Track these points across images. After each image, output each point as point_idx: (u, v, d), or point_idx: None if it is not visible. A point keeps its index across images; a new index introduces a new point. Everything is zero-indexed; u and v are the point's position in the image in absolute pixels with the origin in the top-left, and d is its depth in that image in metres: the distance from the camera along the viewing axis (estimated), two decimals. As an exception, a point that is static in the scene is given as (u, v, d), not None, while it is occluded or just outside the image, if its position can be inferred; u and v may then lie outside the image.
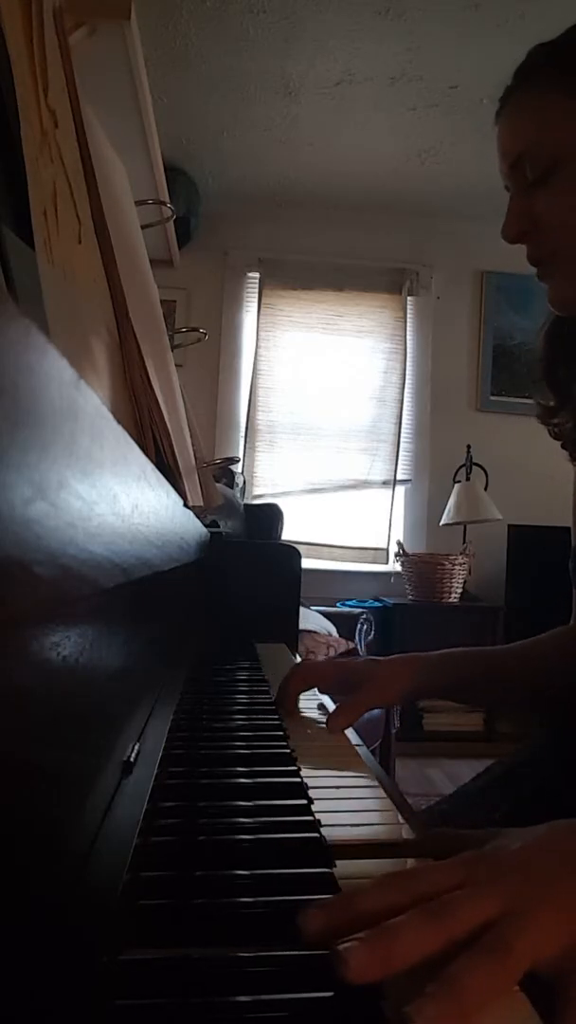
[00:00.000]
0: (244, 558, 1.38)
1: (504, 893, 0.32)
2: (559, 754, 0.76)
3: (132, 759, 0.46)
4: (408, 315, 3.53)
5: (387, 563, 3.38)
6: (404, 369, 3.50)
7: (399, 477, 3.46)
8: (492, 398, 3.49)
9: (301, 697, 0.79)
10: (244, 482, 3.29)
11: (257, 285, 3.50)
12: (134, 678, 0.51)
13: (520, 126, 0.72)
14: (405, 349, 3.51)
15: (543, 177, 0.70)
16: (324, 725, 0.73)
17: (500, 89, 0.74)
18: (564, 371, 0.80)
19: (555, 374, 0.81)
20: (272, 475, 3.44)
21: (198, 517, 0.99)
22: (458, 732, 3.05)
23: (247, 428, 3.43)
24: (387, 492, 3.45)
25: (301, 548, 1.45)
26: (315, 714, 0.78)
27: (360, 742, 0.70)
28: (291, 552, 1.40)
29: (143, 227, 1.03)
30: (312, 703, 0.81)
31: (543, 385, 0.82)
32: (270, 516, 2.80)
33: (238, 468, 3.19)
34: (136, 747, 0.48)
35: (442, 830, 0.44)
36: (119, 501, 0.30)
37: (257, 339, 3.46)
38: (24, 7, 0.52)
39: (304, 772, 0.56)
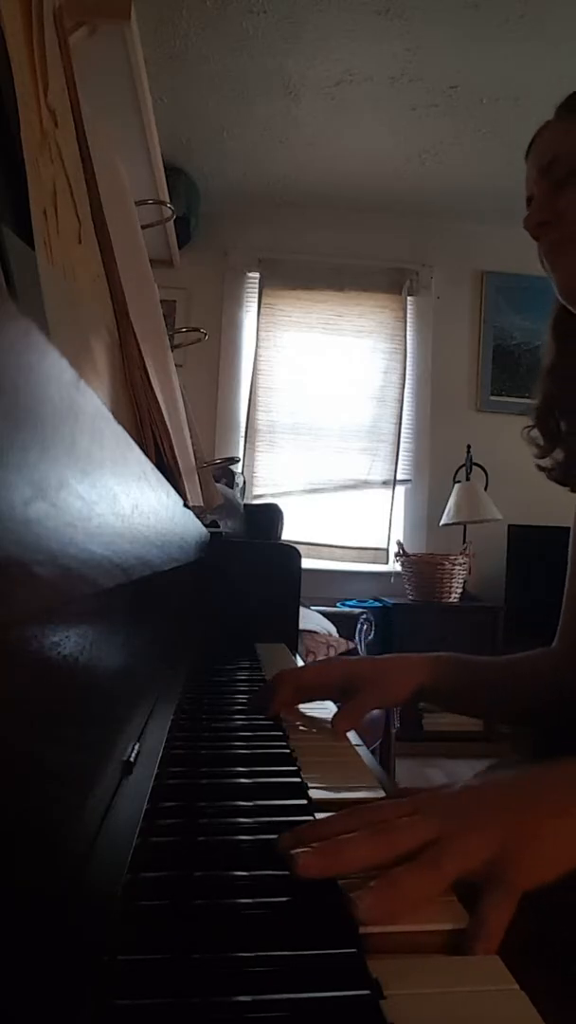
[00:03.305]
0: (244, 558, 1.38)
1: (440, 821, 0.40)
2: (557, 754, 0.76)
3: (132, 759, 0.46)
4: (408, 315, 3.53)
5: (387, 563, 3.38)
6: (404, 369, 3.50)
7: (399, 477, 3.46)
8: (492, 398, 3.48)
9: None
10: (244, 482, 3.28)
11: (257, 285, 3.50)
12: (134, 678, 0.51)
13: (556, 137, 0.74)
14: (405, 349, 3.50)
15: (569, 179, 0.72)
16: (321, 721, 0.73)
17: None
18: (556, 416, 0.83)
19: (548, 419, 0.84)
20: (272, 475, 3.44)
21: (198, 517, 0.99)
22: (458, 732, 3.05)
23: (247, 428, 3.43)
24: (387, 492, 3.44)
25: (301, 548, 1.45)
26: (314, 712, 0.78)
27: (360, 742, 0.70)
28: (291, 552, 1.40)
29: (143, 227, 1.03)
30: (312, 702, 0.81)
31: (537, 427, 0.85)
32: (270, 516, 2.80)
33: (238, 468, 3.19)
34: (136, 747, 0.48)
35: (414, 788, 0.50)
36: (119, 501, 0.30)
37: (257, 339, 3.46)
38: (24, 7, 0.52)
39: (304, 772, 0.56)
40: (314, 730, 0.72)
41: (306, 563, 1.46)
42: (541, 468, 0.85)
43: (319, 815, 0.47)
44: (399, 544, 3.24)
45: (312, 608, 2.67)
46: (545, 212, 0.73)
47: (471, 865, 0.38)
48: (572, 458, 0.81)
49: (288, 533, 2.93)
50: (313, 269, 3.47)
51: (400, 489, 3.49)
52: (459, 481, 3.30)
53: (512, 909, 0.36)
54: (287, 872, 0.37)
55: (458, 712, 0.86)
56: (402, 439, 3.47)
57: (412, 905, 0.35)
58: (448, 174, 3.14)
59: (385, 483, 3.45)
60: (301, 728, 0.72)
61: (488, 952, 0.34)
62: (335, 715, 0.71)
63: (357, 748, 0.67)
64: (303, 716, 0.76)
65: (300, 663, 1.17)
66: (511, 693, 0.83)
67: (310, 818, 0.46)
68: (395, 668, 0.78)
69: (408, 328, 3.52)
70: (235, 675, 0.99)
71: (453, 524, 3.22)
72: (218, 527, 1.47)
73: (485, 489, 3.22)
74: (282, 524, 2.84)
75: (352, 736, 0.71)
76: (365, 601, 3.26)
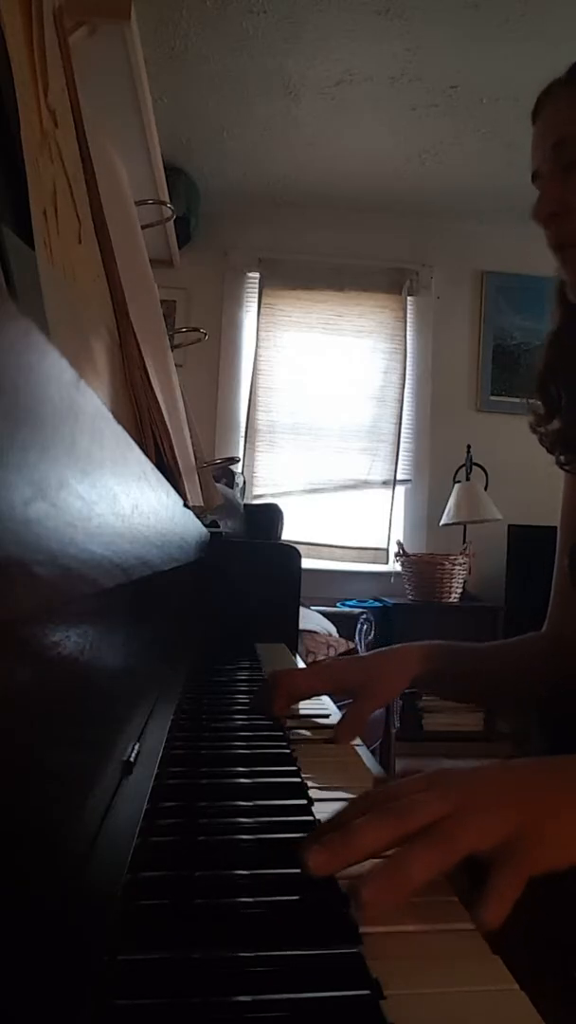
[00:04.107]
0: (244, 558, 1.38)
1: (454, 797, 0.38)
2: (558, 749, 0.76)
3: (132, 759, 0.46)
4: (408, 315, 3.52)
5: (387, 563, 3.38)
6: (404, 369, 3.50)
7: (399, 477, 3.46)
8: (492, 398, 3.48)
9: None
10: (244, 482, 3.28)
11: (257, 285, 3.50)
12: (134, 678, 0.51)
13: (567, 113, 0.72)
14: (405, 349, 3.50)
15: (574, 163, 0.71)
16: (320, 720, 0.73)
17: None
18: (557, 384, 0.81)
19: (549, 385, 0.83)
20: (272, 475, 3.44)
21: (198, 517, 0.99)
22: (458, 732, 3.05)
23: (247, 428, 3.43)
24: (387, 492, 3.44)
25: (301, 548, 1.45)
26: (312, 710, 0.78)
27: (360, 742, 0.70)
28: (291, 552, 1.40)
29: (143, 227, 1.03)
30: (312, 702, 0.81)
31: (537, 395, 0.84)
32: (270, 516, 2.80)
33: (238, 468, 3.19)
34: (136, 747, 0.48)
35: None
36: (119, 501, 0.30)
37: (257, 339, 3.46)
38: (24, 7, 0.52)
39: (304, 772, 0.56)
40: (314, 730, 0.72)
41: (306, 563, 1.46)
42: (536, 431, 0.85)
43: (319, 815, 0.47)
44: (399, 544, 3.23)
45: (312, 608, 2.67)
46: (554, 203, 0.72)
47: (486, 841, 0.37)
48: (568, 429, 0.81)
49: (288, 533, 2.93)
50: (313, 269, 3.47)
51: (400, 489, 3.49)
52: (459, 481, 3.30)
53: (520, 887, 0.35)
54: (287, 871, 0.37)
55: (451, 698, 0.87)
56: (402, 439, 3.47)
57: (415, 884, 0.34)
58: (448, 174, 3.14)
59: (385, 483, 3.45)
60: (301, 728, 0.72)
61: (492, 925, 0.34)
62: (337, 725, 0.71)
63: (357, 748, 0.67)
64: (303, 716, 0.76)
65: (300, 663, 1.17)
66: (501, 678, 0.84)
67: (310, 818, 0.46)
68: (388, 664, 0.78)
69: (408, 328, 3.52)
70: (235, 675, 0.99)
71: (453, 524, 3.22)
72: (218, 527, 1.47)
73: (485, 489, 3.22)
74: (282, 524, 2.84)
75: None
76: (365, 601, 3.26)
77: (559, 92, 0.74)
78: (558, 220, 0.73)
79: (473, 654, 0.85)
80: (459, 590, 3.13)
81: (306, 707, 0.78)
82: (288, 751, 0.62)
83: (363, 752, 0.66)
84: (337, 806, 0.50)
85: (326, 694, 0.80)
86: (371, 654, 0.81)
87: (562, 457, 0.82)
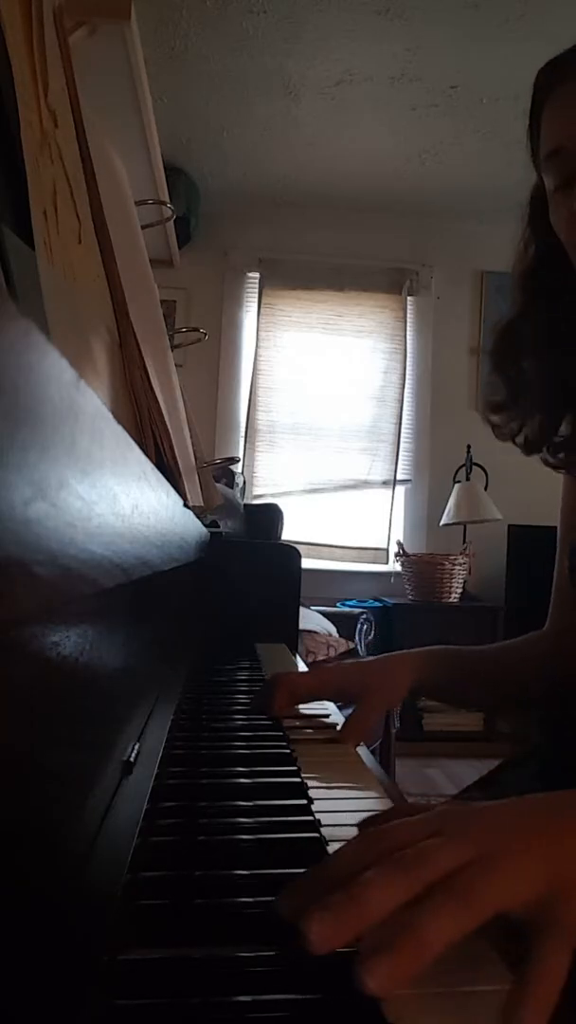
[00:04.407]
0: (244, 558, 1.38)
1: (472, 843, 0.31)
2: (560, 749, 0.76)
3: (132, 759, 0.46)
4: (408, 315, 3.53)
5: (387, 563, 3.38)
6: (404, 369, 3.50)
7: (399, 477, 3.46)
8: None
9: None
10: (244, 482, 3.28)
11: (257, 285, 3.50)
12: (134, 678, 0.51)
13: (564, 121, 0.67)
14: (405, 349, 3.50)
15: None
16: (320, 720, 0.73)
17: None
18: (515, 365, 0.79)
19: (507, 366, 0.80)
20: (272, 475, 3.44)
21: (198, 517, 0.99)
22: (458, 732, 3.05)
23: (247, 428, 3.43)
24: (387, 492, 3.44)
25: (301, 548, 1.45)
26: (313, 711, 0.78)
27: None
28: (291, 552, 1.40)
29: (143, 227, 1.03)
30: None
31: (493, 378, 0.81)
32: (270, 516, 2.80)
33: (238, 468, 3.19)
34: (136, 747, 0.48)
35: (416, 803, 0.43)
36: (119, 501, 0.30)
37: (257, 339, 3.46)
38: (24, 7, 0.52)
39: (304, 772, 0.56)
40: (314, 730, 0.72)
41: (306, 563, 1.46)
42: (489, 422, 0.82)
43: (319, 815, 0.47)
44: (399, 544, 3.24)
45: (312, 608, 2.67)
46: None
47: (515, 898, 0.30)
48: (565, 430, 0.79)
49: (288, 533, 2.93)
50: (313, 269, 3.47)
51: (400, 489, 3.49)
52: (459, 481, 3.30)
53: (568, 962, 0.29)
54: (287, 871, 0.37)
55: (453, 703, 0.86)
56: (402, 439, 3.47)
57: (434, 955, 0.28)
58: (448, 174, 3.14)
59: (385, 483, 3.45)
60: (301, 728, 0.72)
61: (547, 1012, 0.27)
62: (341, 729, 0.71)
63: (357, 748, 0.67)
64: (303, 715, 0.76)
65: (300, 663, 1.17)
66: (502, 680, 0.84)
67: (310, 818, 0.46)
68: (389, 670, 0.78)
69: (408, 328, 3.52)
70: (235, 675, 0.99)
71: (453, 524, 3.22)
72: (218, 527, 1.47)
73: (485, 489, 3.22)
74: (282, 524, 2.84)
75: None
76: (365, 601, 3.26)
77: (554, 89, 0.67)
78: None
79: (473, 658, 0.84)
80: (459, 590, 3.13)
81: (307, 707, 0.78)
82: (288, 751, 0.62)
83: (363, 752, 0.66)
84: (337, 805, 0.50)
85: (327, 699, 0.80)
86: (372, 660, 0.80)
87: (560, 456, 0.81)
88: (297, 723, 0.73)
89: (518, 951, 0.30)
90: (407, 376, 3.51)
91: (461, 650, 0.83)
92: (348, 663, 0.83)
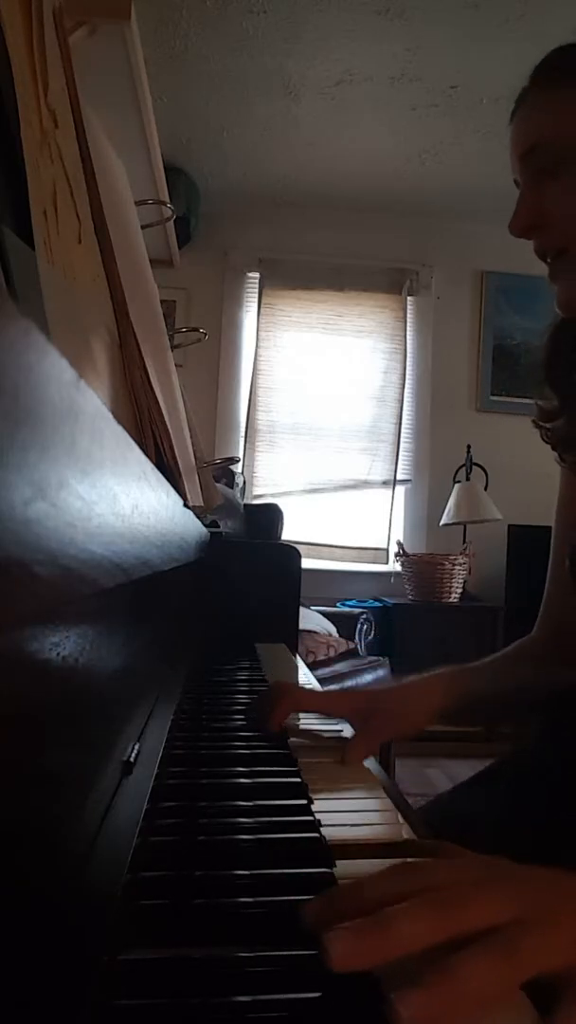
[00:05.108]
0: (244, 558, 1.38)
1: (522, 897, 0.31)
2: (557, 747, 0.76)
3: (132, 759, 0.46)
4: (408, 315, 3.52)
5: (387, 563, 3.38)
6: (404, 369, 3.50)
7: (399, 477, 3.46)
8: (492, 398, 3.48)
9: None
10: (244, 482, 3.28)
11: (257, 285, 3.50)
12: (134, 678, 0.51)
13: (536, 119, 0.70)
14: (405, 349, 3.50)
15: (553, 169, 0.68)
16: (323, 726, 0.73)
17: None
18: (567, 371, 0.80)
19: (558, 374, 0.80)
20: (272, 475, 3.44)
21: (198, 517, 0.99)
22: (458, 732, 3.04)
23: (247, 428, 3.43)
24: (387, 492, 3.44)
25: (301, 548, 1.45)
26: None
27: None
28: (291, 552, 1.40)
29: (143, 227, 1.03)
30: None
31: (545, 386, 0.82)
32: (270, 516, 2.80)
33: (238, 468, 3.19)
34: (136, 747, 0.48)
35: (445, 843, 0.42)
36: (119, 501, 0.30)
37: (257, 339, 3.46)
38: (24, 7, 0.52)
39: (304, 773, 0.56)
40: (314, 730, 0.72)
41: (306, 563, 1.46)
42: (540, 427, 0.82)
43: (319, 815, 0.47)
44: (399, 544, 3.24)
45: (312, 608, 2.67)
46: (532, 215, 0.70)
47: (559, 961, 0.29)
48: (570, 427, 0.79)
49: (288, 533, 2.93)
50: (313, 269, 3.47)
51: (400, 489, 3.49)
52: (459, 481, 3.30)
53: None
54: (287, 871, 0.37)
55: (480, 724, 0.83)
56: (402, 439, 3.47)
57: (473, 1008, 0.27)
58: (448, 174, 3.14)
59: (385, 483, 3.45)
60: (302, 728, 0.72)
61: None
62: (348, 745, 0.67)
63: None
64: (303, 730, 0.75)
65: (300, 663, 1.17)
66: (518, 688, 0.82)
67: (310, 818, 0.46)
68: (410, 696, 0.76)
69: (408, 328, 3.52)
70: (235, 675, 0.99)
71: (453, 524, 3.22)
72: (218, 527, 1.47)
73: (485, 489, 3.22)
74: (282, 524, 2.84)
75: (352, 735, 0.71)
76: (365, 601, 3.26)
77: (525, 99, 0.71)
78: (536, 232, 0.71)
79: (486, 673, 0.82)
80: (459, 590, 3.13)
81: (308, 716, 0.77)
82: (288, 751, 0.62)
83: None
84: (337, 805, 0.50)
85: (335, 717, 0.77)
86: (391, 686, 0.78)
87: (565, 454, 0.81)
88: (299, 733, 0.72)
89: (544, 999, 0.29)
90: (407, 376, 3.51)
91: (469, 668, 0.81)
92: (363, 690, 0.81)
